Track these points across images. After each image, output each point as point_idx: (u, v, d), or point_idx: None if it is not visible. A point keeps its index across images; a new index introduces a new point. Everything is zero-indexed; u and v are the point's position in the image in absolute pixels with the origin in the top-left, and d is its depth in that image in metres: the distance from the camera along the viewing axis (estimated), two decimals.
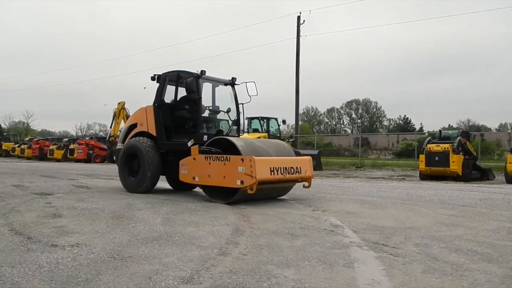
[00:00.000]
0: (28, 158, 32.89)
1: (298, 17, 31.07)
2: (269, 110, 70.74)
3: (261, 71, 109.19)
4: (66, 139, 35.92)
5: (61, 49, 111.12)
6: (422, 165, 16.56)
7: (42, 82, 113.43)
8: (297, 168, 8.16)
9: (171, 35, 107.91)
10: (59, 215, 6.07)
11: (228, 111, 9.73)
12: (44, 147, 32.80)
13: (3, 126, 72.10)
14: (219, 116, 9.87)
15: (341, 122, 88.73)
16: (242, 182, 7.29)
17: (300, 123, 39.98)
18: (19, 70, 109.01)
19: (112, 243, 4.46)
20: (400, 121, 79.52)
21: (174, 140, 9.25)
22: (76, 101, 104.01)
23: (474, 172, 16.74)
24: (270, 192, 8.29)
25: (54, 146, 31.98)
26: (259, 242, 4.65)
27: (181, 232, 5.06)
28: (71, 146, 30.81)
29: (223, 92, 9.87)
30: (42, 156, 31.91)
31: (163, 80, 9.62)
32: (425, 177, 16.45)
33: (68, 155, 30.44)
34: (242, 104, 9.72)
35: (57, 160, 30.49)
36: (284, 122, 23.02)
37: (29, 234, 4.80)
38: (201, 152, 8.11)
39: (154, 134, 9.38)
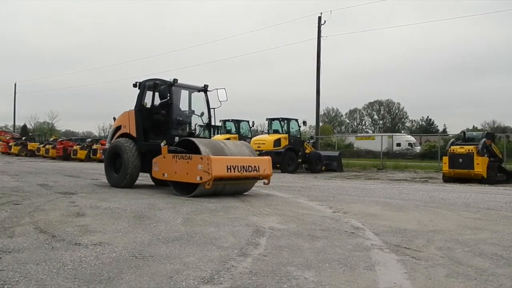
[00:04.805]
0: (53, 158, 33.40)
1: (319, 18, 30.90)
2: (295, 112, 71.02)
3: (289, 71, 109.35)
4: (89, 140, 36.31)
5: (88, 52, 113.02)
6: (445, 167, 16.24)
7: (66, 83, 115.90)
8: (255, 166, 9.01)
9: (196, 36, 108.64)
10: (83, 214, 6.18)
11: (202, 115, 10.84)
12: (68, 147, 33.25)
13: (28, 126, 73.81)
14: (193, 119, 10.92)
15: (363, 123, 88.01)
16: (201, 178, 8.18)
17: (320, 124, 39.78)
18: (45, 71, 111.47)
19: (134, 242, 4.52)
20: (423, 123, 78.35)
21: (151, 141, 10.34)
22: (99, 101, 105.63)
23: (499, 175, 16.34)
24: (231, 188, 9.06)
25: (77, 147, 32.40)
26: (279, 243, 4.65)
27: (202, 232, 5.09)
28: (94, 147, 31.18)
29: (199, 97, 10.95)
30: (66, 156, 32.38)
31: (142, 87, 10.74)
32: (448, 179, 16.14)
33: (91, 155, 30.86)
34: (214, 108, 10.78)
35: (81, 160, 30.93)
36: (304, 123, 22.93)
37: (53, 232, 4.90)
38: (169, 151, 9.07)
39: (135, 135, 10.46)
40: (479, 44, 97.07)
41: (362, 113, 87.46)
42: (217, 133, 23.08)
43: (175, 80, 10.12)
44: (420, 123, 79.32)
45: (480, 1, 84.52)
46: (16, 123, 68.06)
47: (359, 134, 60.29)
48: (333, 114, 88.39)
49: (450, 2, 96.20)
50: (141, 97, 10.67)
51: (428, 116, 77.94)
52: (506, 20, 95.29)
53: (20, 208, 6.58)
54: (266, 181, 9.49)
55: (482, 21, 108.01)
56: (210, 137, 10.86)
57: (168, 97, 10.09)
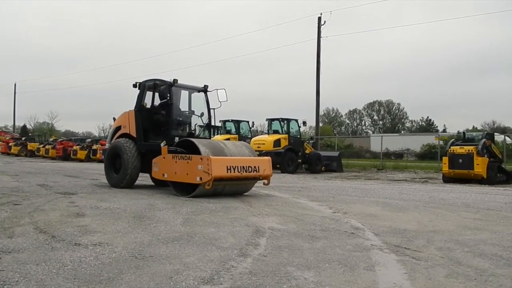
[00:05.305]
0: (52, 158, 33.34)
1: (319, 18, 30.89)
2: (295, 112, 71.09)
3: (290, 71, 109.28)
4: (89, 140, 36.29)
5: (88, 52, 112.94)
6: (445, 168, 16.25)
7: (67, 83, 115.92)
8: (255, 167, 9.02)
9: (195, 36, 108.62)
10: (82, 215, 6.18)
11: (202, 115, 10.85)
12: (68, 148, 33.20)
13: (28, 126, 73.75)
14: (193, 120, 10.92)
15: (363, 123, 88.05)
16: (201, 179, 8.20)
17: (320, 124, 39.78)
18: (45, 71, 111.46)
19: (134, 242, 4.51)
20: (423, 123, 78.37)
21: (151, 141, 10.34)
22: (99, 101, 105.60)
23: (499, 175, 16.35)
24: (231, 188, 9.06)
25: (77, 147, 32.34)
26: (279, 243, 4.65)
27: (202, 233, 5.08)
28: (94, 147, 31.15)
29: (199, 98, 10.97)
30: (65, 156, 32.33)
31: (142, 87, 10.76)
32: (448, 179, 16.14)
33: (91, 155, 30.82)
34: (214, 109, 10.78)
35: (80, 160, 30.88)
36: (304, 123, 22.89)
37: (53, 232, 4.90)
38: (169, 152, 9.09)
39: (135, 135, 10.46)
40: (481, 44, 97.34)
41: (362, 113, 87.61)
42: (217, 134, 23.07)
43: (175, 81, 10.13)
44: (420, 123, 79.45)
45: (482, 1, 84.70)
46: (16, 123, 68.11)
47: (440, 134, 52.49)
48: (333, 115, 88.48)
49: (452, 2, 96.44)
50: (141, 97, 10.68)
51: (428, 117, 78.11)
52: (508, 20, 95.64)
53: (20, 208, 6.58)
54: (266, 181, 9.50)
55: (485, 21, 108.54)
56: (210, 138, 10.87)
57: (168, 98, 10.09)
